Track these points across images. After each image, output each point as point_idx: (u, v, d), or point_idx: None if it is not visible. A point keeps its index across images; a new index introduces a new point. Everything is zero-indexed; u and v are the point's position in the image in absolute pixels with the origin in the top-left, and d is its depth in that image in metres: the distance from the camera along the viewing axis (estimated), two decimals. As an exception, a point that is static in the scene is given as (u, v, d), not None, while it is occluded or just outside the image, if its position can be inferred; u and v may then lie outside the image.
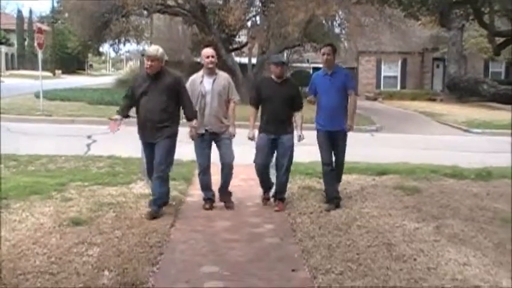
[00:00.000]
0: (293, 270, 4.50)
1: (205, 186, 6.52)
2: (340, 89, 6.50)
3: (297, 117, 6.53)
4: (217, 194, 6.64)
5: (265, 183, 6.68)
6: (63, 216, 5.74)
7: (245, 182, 7.53)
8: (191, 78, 6.47)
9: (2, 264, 4.33)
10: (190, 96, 6.16)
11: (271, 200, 6.68)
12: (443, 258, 4.79)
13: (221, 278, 4.32)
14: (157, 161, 5.87)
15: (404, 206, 6.66)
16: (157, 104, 5.80)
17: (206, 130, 6.29)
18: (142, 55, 7.95)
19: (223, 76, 6.42)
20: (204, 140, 6.34)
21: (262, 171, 6.54)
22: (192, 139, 6.26)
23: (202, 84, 6.29)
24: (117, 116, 5.89)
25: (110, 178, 7.53)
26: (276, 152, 6.51)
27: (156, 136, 5.84)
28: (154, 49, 5.94)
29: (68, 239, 5.01)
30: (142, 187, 7.11)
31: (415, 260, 4.74)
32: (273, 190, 6.68)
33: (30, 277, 4.11)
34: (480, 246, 5.15)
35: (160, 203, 6.00)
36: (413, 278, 4.31)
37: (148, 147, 6.01)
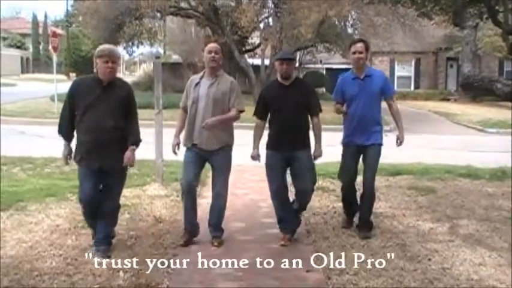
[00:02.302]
0: (307, 271, 4.50)
1: (187, 214, 5.19)
2: (374, 96, 5.43)
3: (314, 126, 5.25)
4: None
5: (284, 212, 5.31)
6: (79, 217, 5.78)
7: (257, 183, 7.53)
8: (190, 78, 5.35)
9: (19, 266, 4.39)
10: (185, 101, 5.16)
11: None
12: (458, 259, 4.76)
13: (235, 278, 4.33)
14: (113, 195, 4.81)
15: (419, 206, 6.64)
16: (110, 120, 4.55)
17: (194, 145, 5.09)
18: (157, 57, 7.89)
19: (226, 79, 5.12)
20: (192, 152, 5.13)
21: (280, 196, 5.26)
22: (130, 165, 4.82)
23: (198, 87, 5.07)
24: (66, 151, 4.76)
25: (124, 180, 7.56)
26: (291, 173, 5.30)
27: (109, 162, 4.62)
28: (114, 48, 4.78)
29: (83, 241, 5.07)
30: (156, 189, 7.15)
31: (429, 260, 4.72)
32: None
33: (46, 278, 4.16)
34: (495, 246, 5.12)
35: (110, 240, 4.90)
36: (428, 279, 4.29)
37: (93, 176, 4.65)
